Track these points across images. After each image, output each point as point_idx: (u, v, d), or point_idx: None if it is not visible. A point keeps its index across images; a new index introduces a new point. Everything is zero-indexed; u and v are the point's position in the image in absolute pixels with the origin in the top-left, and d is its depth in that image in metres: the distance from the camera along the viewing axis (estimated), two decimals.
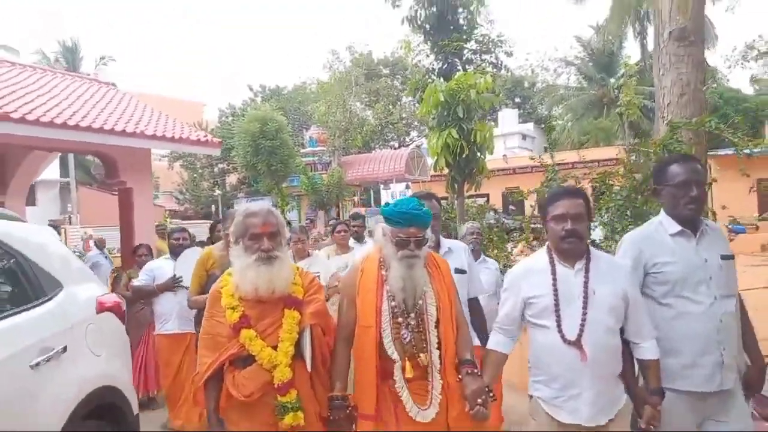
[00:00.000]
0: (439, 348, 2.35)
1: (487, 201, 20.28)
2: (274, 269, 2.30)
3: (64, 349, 2.64)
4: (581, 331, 2.28)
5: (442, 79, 11.04)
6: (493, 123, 29.33)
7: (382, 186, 20.92)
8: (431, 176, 19.87)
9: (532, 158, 6.51)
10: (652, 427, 2.31)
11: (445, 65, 12.00)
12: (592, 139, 26.17)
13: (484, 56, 12.70)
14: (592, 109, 27.81)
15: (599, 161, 16.29)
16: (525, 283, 2.43)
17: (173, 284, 4.49)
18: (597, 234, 5.37)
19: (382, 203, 25.28)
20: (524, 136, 33.98)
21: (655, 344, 2.41)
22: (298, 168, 20.12)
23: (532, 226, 6.17)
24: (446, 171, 8.18)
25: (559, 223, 2.35)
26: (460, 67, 12.01)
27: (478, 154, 7.89)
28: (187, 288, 4.18)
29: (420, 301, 2.36)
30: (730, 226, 16.62)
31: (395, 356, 2.29)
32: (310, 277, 2.56)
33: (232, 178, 34.64)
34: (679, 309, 2.45)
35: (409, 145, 33.08)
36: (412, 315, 2.35)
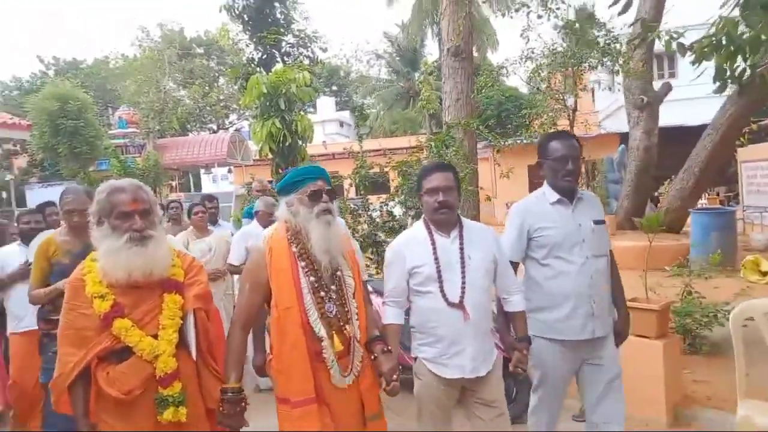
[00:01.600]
0: (357, 319, 2.30)
1: None
2: (150, 250, 2.07)
3: None
4: (462, 293, 2.44)
5: (262, 71, 11.60)
6: (312, 110, 30.43)
7: (203, 170, 20.58)
8: (254, 161, 20.17)
9: (345, 149, 7.51)
10: (519, 369, 2.53)
11: (265, 56, 12.57)
12: (401, 128, 28.79)
13: (301, 50, 13.53)
14: (400, 101, 30.47)
15: (407, 149, 18.33)
16: (408, 255, 2.53)
17: (26, 271, 3.78)
18: (397, 210, 6.56)
19: (203, 188, 24.75)
20: (342, 123, 35.66)
21: (521, 298, 2.65)
22: (107, 151, 18.80)
23: (351, 206, 7.17)
24: (270, 157, 8.91)
25: (432, 195, 2.51)
26: (279, 59, 12.69)
27: (300, 142, 8.76)
28: None
29: (338, 272, 2.29)
30: (508, 203, 19.86)
31: (322, 333, 2.17)
32: (190, 258, 2.34)
33: (20, 161, 30.53)
34: (556, 269, 2.69)
35: (228, 128, 32.58)
36: (333, 287, 2.27)
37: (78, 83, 21.12)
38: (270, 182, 7.94)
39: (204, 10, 64.27)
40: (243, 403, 2.16)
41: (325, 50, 14.91)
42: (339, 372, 2.19)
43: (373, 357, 2.36)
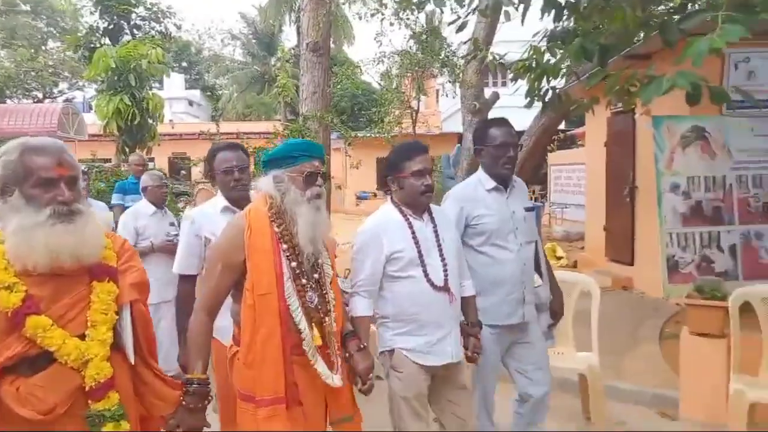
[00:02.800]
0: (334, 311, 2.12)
1: (154, 164, 20.20)
2: (79, 227, 1.62)
3: None
4: (446, 275, 2.39)
5: (108, 40, 10.90)
6: (158, 86, 28.63)
7: None
8: (90, 136, 18.59)
9: (202, 131, 7.55)
10: (476, 354, 2.52)
11: (112, 26, 11.74)
12: (255, 112, 28.37)
13: (153, 24, 12.87)
14: (255, 84, 29.91)
15: (261, 134, 18.36)
16: (386, 239, 2.40)
17: None
18: (252, 195, 6.77)
19: None
20: (191, 102, 34.05)
21: (471, 283, 2.62)
22: None
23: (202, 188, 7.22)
24: (116, 134, 8.53)
25: (419, 178, 2.39)
26: (127, 31, 11.97)
27: (150, 121, 8.52)
28: None
29: (319, 260, 2.09)
30: (357, 193, 20.76)
31: (303, 324, 1.97)
32: (121, 239, 1.89)
33: None
34: (493, 256, 2.70)
35: (56, 97, 29.25)
36: (315, 275, 2.08)
37: None
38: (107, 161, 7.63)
39: None
40: (208, 398, 1.92)
41: (179, 27, 14.33)
42: (325, 366, 2.00)
43: (347, 354, 2.20)
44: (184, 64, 37.46)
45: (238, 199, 2.68)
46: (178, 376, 2.08)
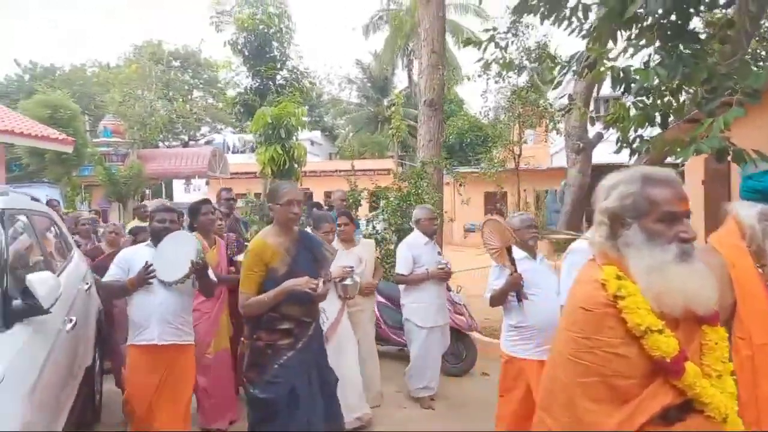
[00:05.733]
0: None
1: None
2: (699, 269, 1.49)
3: (90, 284, 4.42)
4: None
5: (258, 98, 13.17)
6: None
7: (184, 182, 21.81)
8: (231, 174, 21.58)
9: (338, 169, 9.02)
10: None
11: (261, 86, 14.31)
12: (369, 150, 30.66)
13: (293, 83, 15.39)
14: (370, 124, 32.38)
15: (375, 170, 20.23)
16: None
17: (145, 277, 3.41)
18: (380, 226, 8.08)
19: (175, 197, 25.83)
20: (312, 142, 37.32)
21: None
22: (93, 158, 19.88)
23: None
24: (270, 176, 10.57)
25: None
26: (273, 89, 14.48)
27: (295, 165, 10.46)
28: (162, 282, 3.42)
29: None
30: (466, 226, 21.83)
31: None
32: None
33: None
34: None
35: (199, 139, 33.73)
36: None
37: (70, 92, 22.12)
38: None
39: (185, 24, 64.84)
40: None
41: (313, 84, 16.81)
42: None
43: None
44: (306, 107, 41.12)
45: None
46: None
